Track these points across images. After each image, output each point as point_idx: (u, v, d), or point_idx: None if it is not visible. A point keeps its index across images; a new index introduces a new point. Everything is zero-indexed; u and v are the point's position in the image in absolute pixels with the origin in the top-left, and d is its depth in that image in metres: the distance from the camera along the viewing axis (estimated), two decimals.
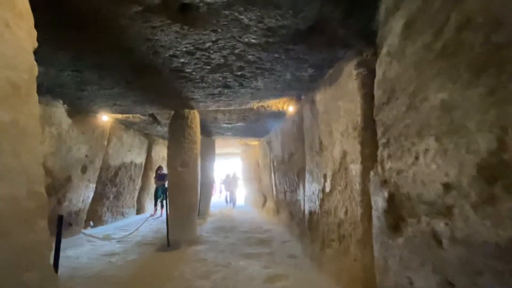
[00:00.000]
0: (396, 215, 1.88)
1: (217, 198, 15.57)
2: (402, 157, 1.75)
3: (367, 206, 2.36)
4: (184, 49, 2.60)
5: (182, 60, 2.84)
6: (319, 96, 3.53)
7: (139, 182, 7.85)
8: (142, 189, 8.06)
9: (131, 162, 7.31)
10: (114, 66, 3.06)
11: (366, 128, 2.37)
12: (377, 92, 2.10)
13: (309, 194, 4.06)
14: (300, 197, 4.76)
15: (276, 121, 6.19)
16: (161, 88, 3.88)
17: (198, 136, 5.29)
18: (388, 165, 1.95)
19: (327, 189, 3.27)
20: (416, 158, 1.59)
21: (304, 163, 4.50)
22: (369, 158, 2.36)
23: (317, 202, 3.66)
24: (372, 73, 2.32)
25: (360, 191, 2.43)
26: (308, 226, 4.07)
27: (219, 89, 3.79)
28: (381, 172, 2.06)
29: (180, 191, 4.80)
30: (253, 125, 6.81)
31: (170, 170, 4.92)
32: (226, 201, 11.89)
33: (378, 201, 2.06)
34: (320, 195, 3.52)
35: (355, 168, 2.51)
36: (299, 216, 4.91)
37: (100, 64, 3.03)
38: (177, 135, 4.90)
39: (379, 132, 2.11)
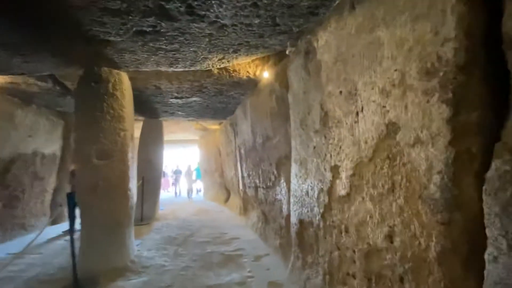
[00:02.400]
0: None
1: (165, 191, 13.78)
2: None
3: (463, 235, 1.14)
4: None
5: None
6: (325, 38, 2.18)
7: (52, 180, 5.73)
8: (59, 190, 5.95)
9: (35, 153, 5.17)
10: None
11: (468, 66, 1.10)
12: None
13: (298, 194, 2.78)
14: (281, 197, 3.48)
15: (246, 93, 4.73)
16: (39, 15, 2.10)
17: (130, 112, 3.57)
18: None
19: (341, 191, 2.00)
20: None
21: (288, 149, 3.19)
22: (472, 133, 1.11)
23: (316, 209, 2.39)
24: None
25: (443, 202, 1.18)
26: (297, 241, 2.82)
27: (151, 19, 2.17)
28: None
29: (98, 196, 3.10)
30: (213, 101, 5.25)
31: (79, 163, 3.16)
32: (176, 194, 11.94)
33: None
34: (324, 199, 2.25)
35: (430, 154, 1.24)
36: (278, 221, 3.65)
37: None
38: (90, 109, 3.13)
39: None
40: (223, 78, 4.04)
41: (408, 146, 1.38)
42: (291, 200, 3.01)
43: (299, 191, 2.77)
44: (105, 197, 3.13)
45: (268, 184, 3.99)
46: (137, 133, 6.80)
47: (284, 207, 3.36)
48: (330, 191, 2.16)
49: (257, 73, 3.94)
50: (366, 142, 1.72)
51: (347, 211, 1.94)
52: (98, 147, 3.12)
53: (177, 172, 11.93)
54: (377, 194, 1.63)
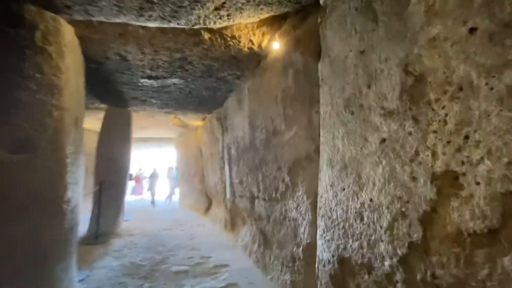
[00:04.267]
0: None
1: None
2: None
3: None
4: None
5: None
6: None
7: None
8: None
9: None
10: None
11: None
12: None
13: (339, 215, 1.80)
14: (298, 215, 2.47)
15: (243, 75, 3.70)
16: None
17: (73, 83, 2.40)
18: None
19: (469, 223, 1.03)
20: None
21: (312, 147, 2.23)
22: None
23: (386, 246, 1.41)
24: None
25: None
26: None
27: None
28: None
29: (6, 213, 1.88)
30: (199, 86, 4.16)
31: None
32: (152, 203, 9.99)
33: None
34: (410, 232, 1.28)
35: None
36: (289, 248, 2.63)
37: None
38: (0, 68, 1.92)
39: None
40: (216, 49, 2.99)
41: None
42: (321, 223, 2.01)
43: (340, 211, 1.79)
44: (19, 214, 1.92)
45: (274, 195, 2.97)
46: (97, 125, 5.49)
47: (303, 230, 2.36)
48: (430, 219, 1.19)
49: (264, 43, 2.95)
50: None
51: (487, 263, 0.98)
52: (10, 132, 1.91)
53: (152, 176, 10.46)
54: None
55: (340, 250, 1.78)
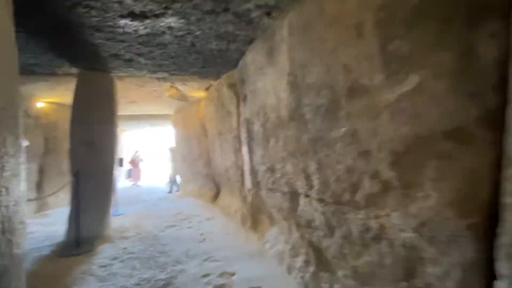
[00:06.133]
0: None
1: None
2: None
3: None
4: None
5: None
6: None
7: None
8: None
9: None
10: None
11: None
12: None
13: None
14: (418, 241, 1.36)
15: (277, 8, 2.38)
16: None
17: None
18: None
19: None
20: None
21: (470, 111, 1.09)
22: None
23: None
24: None
25: None
26: None
27: None
28: None
29: None
30: (207, 30, 2.87)
31: None
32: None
33: None
34: None
35: None
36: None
37: None
38: None
39: None
40: None
41: None
42: None
43: None
44: None
45: (347, 197, 1.84)
46: (68, 97, 4.22)
47: (441, 273, 1.26)
48: None
49: None
50: None
51: None
52: None
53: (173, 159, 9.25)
54: None
55: None
